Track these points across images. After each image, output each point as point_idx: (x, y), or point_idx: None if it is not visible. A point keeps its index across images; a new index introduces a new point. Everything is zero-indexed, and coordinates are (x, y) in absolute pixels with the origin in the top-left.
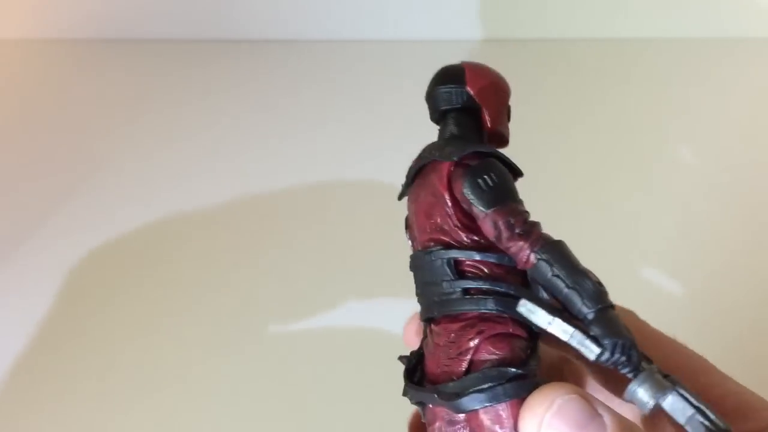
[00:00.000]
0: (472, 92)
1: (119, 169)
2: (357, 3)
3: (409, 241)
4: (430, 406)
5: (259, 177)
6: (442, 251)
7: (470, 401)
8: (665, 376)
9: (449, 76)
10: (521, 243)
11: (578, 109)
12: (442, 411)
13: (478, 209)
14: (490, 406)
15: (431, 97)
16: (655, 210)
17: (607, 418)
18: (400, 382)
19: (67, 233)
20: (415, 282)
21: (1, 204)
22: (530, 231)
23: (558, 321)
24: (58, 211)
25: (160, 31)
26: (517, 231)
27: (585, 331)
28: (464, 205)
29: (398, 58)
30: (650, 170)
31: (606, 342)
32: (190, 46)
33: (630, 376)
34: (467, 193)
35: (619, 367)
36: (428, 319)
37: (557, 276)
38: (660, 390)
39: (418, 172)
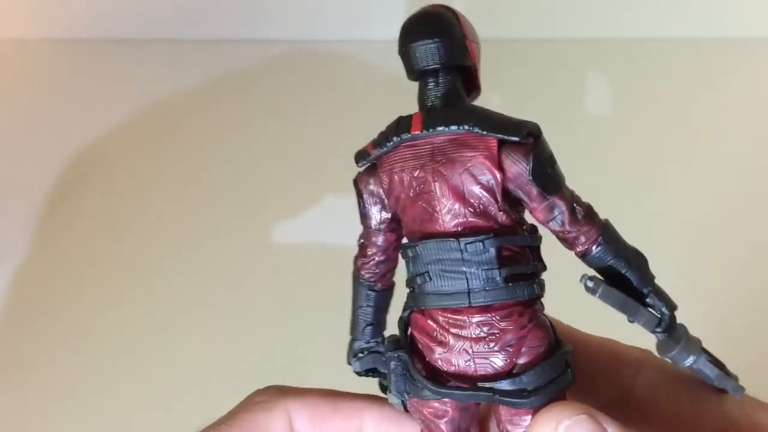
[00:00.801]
0: (470, 48)
1: (119, 168)
2: (354, 3)
3: (391, 228)
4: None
5: (258, 176)
6: (490, 239)
7: (541, 397)
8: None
9: (439, 25)
10: (587, 228)
11: (583, 108)
12: (500, 410)
13: (542, 193)
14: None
15: (414, 52)
16: (657, 209)
17: None
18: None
19: (67, 232)
20: (416, 269)
21: (0, 204)
22: (594, 215)
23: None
24: (57, 210)
25: (160, 31)
26: (581, 216)
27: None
28: (512, 186)
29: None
30: (657, 170)
31: (665, 311)
32: (190, 46)
33: (666, 337)
34: (533, 176)
35: (663, 332)
36: (435, 308)
37: (619, 257)
38: (697, 351)
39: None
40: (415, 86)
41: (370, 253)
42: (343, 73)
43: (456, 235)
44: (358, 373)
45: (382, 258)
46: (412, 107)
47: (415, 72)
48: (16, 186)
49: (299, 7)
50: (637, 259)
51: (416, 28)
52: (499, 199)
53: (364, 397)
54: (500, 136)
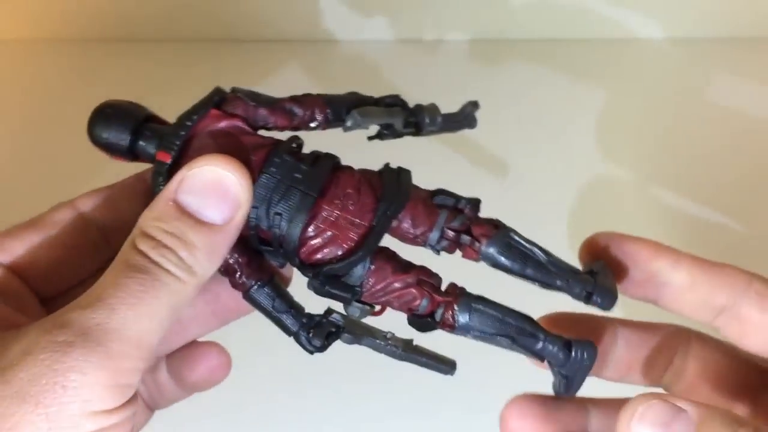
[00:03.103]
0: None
1: (119, 169)
2: (355, 3)
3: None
4: None
5: None
6: None
7: None
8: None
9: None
10: None
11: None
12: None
13: None
14: None
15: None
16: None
17: (692, 411)
18: None
19: None
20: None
21: (0, 204)
22: None
23: None
24: None
25: (160, 31)
26: None
27: None
28: None
29: (397, 58)
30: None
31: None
32: (190, 46)
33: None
34: None
35: None
36: None
37: None
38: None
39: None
40: (416, 89)
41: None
42: (345, 73)
43: None
44: (323, 346)
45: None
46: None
47: None
48: (16, 186)
49: (299, 7)
50: None
51: None
52: None
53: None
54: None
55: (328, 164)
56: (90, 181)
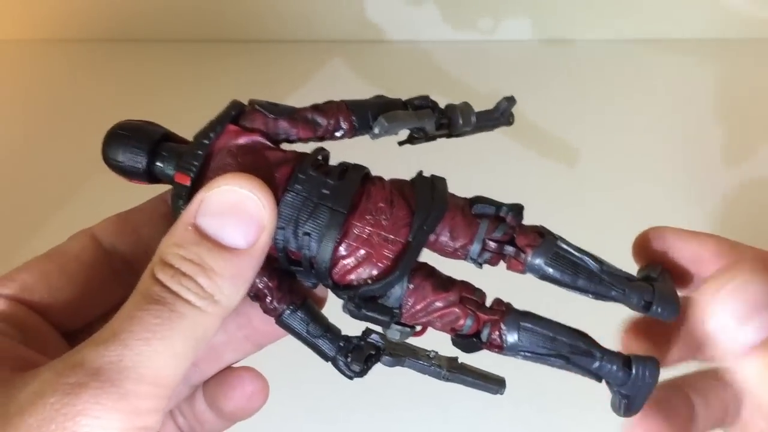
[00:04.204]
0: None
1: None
2: (356, 4)
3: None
4: None
5: None
6: None
7: None
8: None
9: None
10: None
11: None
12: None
13: None
14: None
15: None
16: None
17: None
18: None
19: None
20: None
21: (0, 204)
22: None
23: None
24: (58, 211)
25: (160, 31)
26: None
27: None
28: None
29: (398, 58)
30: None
31: None
32: (190, 46)
33: None
34: None
35: None
36: None
37: None
38: None
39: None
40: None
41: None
42: (345, 73)
43: None
44: (363, 371)
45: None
46: None
47: None
48: (16, 186)
49: (300, 7)
50: None
51: None
52: None
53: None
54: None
55: (356, 177)
56: (90, 180)
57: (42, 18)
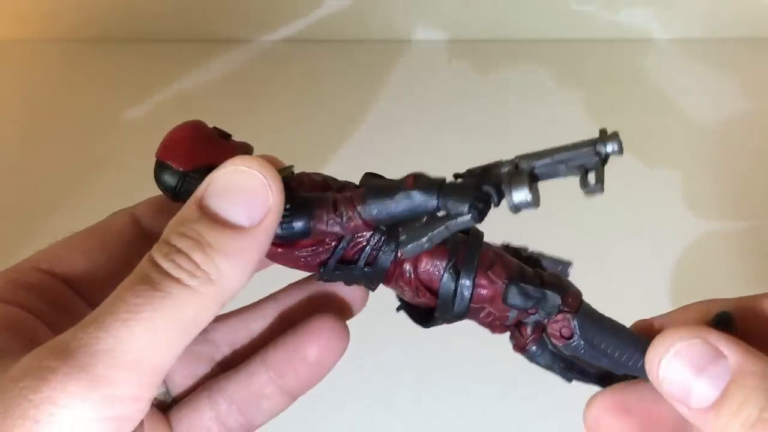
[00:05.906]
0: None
1: (120, 169)
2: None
3: None
4: None
5: None
6: None
7: None
8: None
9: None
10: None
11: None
12: None
13: None
14: None
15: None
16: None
17: (734, 358)
18: None
19: (66, 232)
20: None
21: (1, 204)
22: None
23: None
24: (58, 211)
25: (160, 31)
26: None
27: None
28: None
29: (399, 58)
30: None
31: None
32: (190, 46)
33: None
34: None
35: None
36: None
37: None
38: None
39: None
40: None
41: None
42: (346, 73)
43: None
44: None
45: None
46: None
47: None
48: (16, 186)
49: (300, 7)
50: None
51: None
52: None
53: None
54: None
55: (386, 260)
56: (90, 180)
57: (41, 18)
